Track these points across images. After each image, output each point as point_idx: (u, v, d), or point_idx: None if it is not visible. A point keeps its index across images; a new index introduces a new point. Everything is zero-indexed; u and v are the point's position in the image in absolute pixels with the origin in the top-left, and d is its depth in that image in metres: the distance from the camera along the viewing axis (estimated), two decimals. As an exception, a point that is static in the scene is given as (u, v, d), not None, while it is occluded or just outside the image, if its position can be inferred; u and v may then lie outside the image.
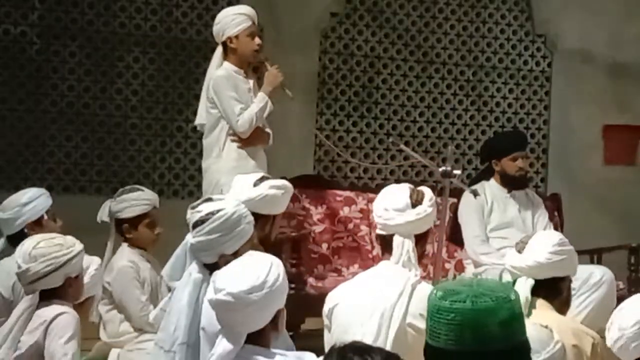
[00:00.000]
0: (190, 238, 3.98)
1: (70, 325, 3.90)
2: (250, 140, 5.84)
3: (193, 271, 3.91)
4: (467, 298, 2.42)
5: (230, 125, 5.81)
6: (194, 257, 3.94)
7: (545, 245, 3.79)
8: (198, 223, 3.88)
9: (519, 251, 3.84)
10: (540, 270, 3.76)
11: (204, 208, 4.01)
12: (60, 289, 3.98)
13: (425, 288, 3.82)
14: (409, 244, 3.97)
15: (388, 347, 3.70)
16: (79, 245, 4.01)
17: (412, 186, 4.12)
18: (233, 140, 5.83)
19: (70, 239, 4.02)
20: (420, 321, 3.73)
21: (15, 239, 5.03)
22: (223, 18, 5.92)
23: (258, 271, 3.13)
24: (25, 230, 5.03)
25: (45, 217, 5.08)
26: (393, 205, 4.02)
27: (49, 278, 3.93)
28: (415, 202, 4.02)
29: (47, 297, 3.98)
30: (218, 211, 3.88)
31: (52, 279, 3.94)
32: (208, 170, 5.89)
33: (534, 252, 3.79)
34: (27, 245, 3.99)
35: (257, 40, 5.91)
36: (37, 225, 5.04)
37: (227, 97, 5.79)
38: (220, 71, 5.87)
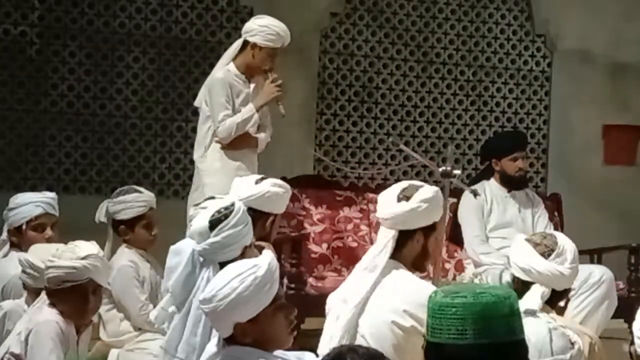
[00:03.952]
0: (195, 245, 3.95)
1: (49, 334, 3.85)
2: (234, 144, 5.88)
3: (211, 276, 3.87)
4: (469, 294, 2.47)
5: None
6: (208, 261, 3.93)
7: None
8: (220, 220, 3.89)
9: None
10: (559, 280, 3.72)
11: (211, 205, 4.05)
12: (66, 295, 3.94)
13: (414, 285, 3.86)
14: (390, 235, 3.99)
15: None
16: (94, 256, 3.99)
17: (415, 183, 4.13)
18: (217, 141, 5.90)
19: (93, 246, 4.04)
20: (403, 319, 3.76)
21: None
22: (263, 24, 5.93)
23: (216, 283, 3.13)
24: (5, 236, 4.98)
25: (24, 227, 4.94)
26: (379, 201, 4.11)
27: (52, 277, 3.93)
28: (402, 197, 4.02)
29: (55, 301, 3.96)
30: (232, 205, 3.93)
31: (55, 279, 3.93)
32: (196, 167, 6.01)
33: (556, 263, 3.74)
34: (47, 246, 4.10)
35: (271, 62, 5.91)
36: (18, 233, 4.95)
37: (217, 102, 5.85)
38: (219, 73, 5.93)
